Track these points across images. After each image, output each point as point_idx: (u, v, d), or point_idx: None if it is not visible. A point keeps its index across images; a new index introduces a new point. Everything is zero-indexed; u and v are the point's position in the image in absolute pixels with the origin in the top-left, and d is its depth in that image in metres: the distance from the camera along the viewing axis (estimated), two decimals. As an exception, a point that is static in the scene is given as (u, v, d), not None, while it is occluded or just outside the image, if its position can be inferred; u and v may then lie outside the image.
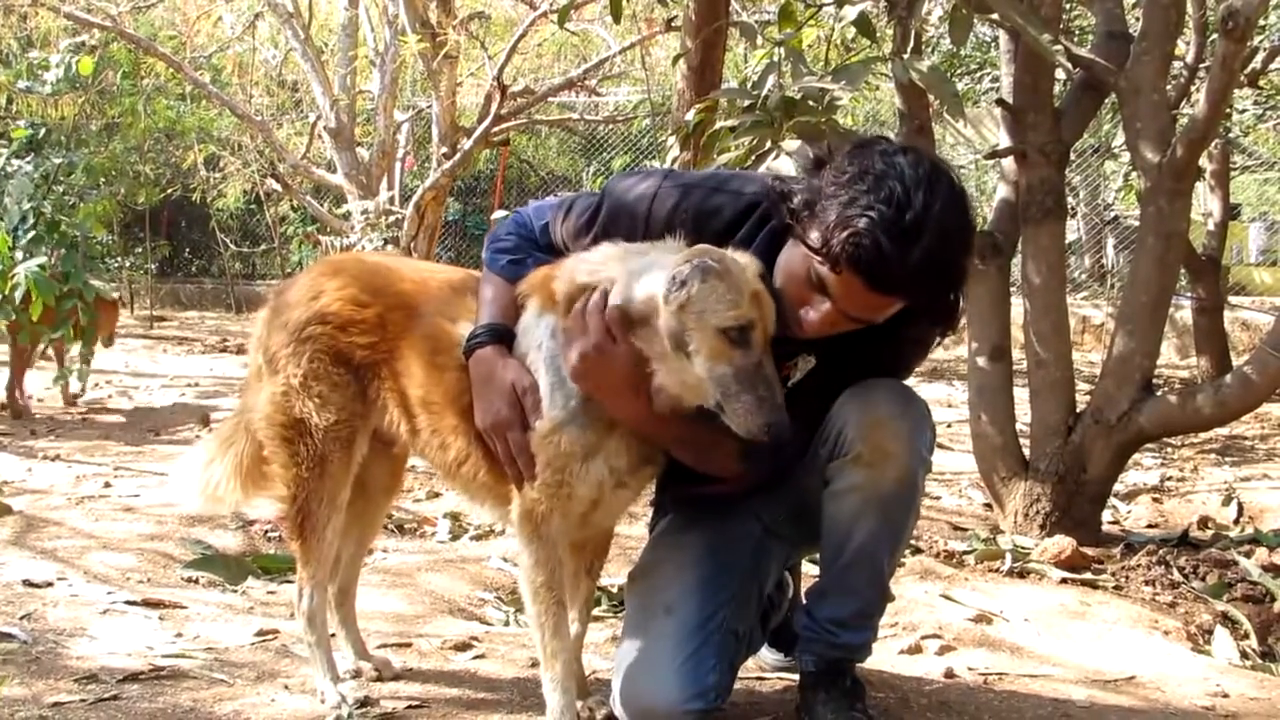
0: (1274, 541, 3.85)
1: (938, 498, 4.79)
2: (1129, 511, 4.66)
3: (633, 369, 1.96)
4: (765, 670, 2.63)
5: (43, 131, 7.40)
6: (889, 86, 5.44)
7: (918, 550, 3.69)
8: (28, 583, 3.11)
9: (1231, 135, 8.66)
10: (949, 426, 6.11)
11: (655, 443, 2.07)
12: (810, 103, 3.26)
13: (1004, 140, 4.04)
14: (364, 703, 2.26)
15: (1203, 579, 3.51)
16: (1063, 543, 3.56)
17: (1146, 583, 3.43)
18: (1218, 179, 7.97)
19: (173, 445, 5.57)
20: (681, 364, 1.92)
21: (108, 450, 5.45)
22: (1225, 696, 2.52)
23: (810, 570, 2.70)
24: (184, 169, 13.62)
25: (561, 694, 2.08)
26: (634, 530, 3.58)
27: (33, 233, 6.21)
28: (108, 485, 4.58)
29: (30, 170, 6.54)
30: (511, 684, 2.45)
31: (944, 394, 7.79)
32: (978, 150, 11.44)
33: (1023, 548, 3.64)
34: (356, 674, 2.45)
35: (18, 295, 5.86)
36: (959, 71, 9.34)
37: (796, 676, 2.30)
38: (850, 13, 3.41)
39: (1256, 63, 6.62)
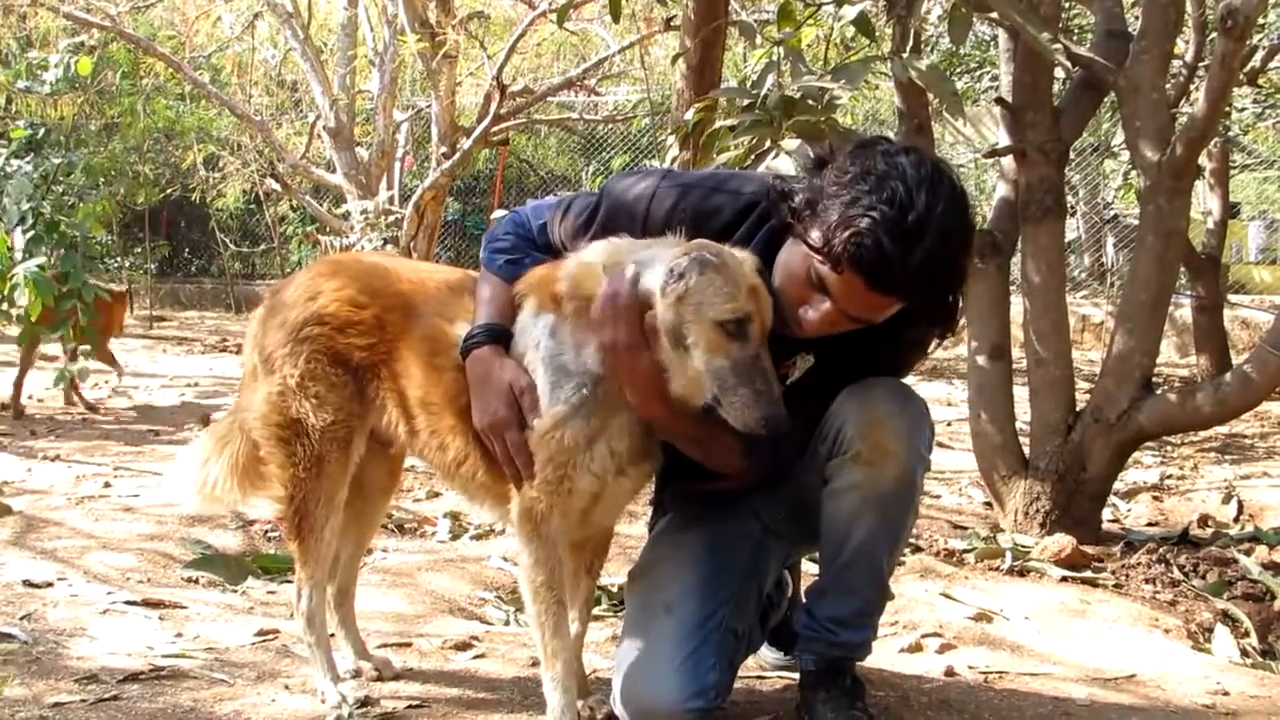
0: (1274, 539, 3.86)
1: (938, 496, 4.79)
2: (1129, 510, 4.66)
3: (661, 370, 1.96)
4: (765, 669, 2.63)
5: (42, 131, 7.38)
6: (888, 85, 5.44)
7: (918, 549, 3.69)
8: (28, 583, 3.11)
9: (1231, 134, 8.66)
10: (949, 425, 6.11)
11: (670, 439, 2.07)
12: (810, 102, 3.26)
13: (1003, 139, 4.04)
14: (364, 702, 2.26)
15: (1203, 577, 3.51)
16: (1063, 541, 3.56)
17: (1147, 581, 3.43)
18: (1217, 177, 7.97)
19: (172, 445, 5.57)
20: (679, 358, 1.92)
21: (107, 450, 5.45)
22: (1225, 694, 2.52)
23: (810, 569, 2.70)
24: (183, 169, 13.62)
25: (562, 693, 2.08)
26: (634, 529, 3.58)
27: (32, 233, 6.21)
28: (108, 485, 4.58)
29: (29, 170, 6.54)
30: (512, 683, 2.45)
31: (944, 392, 7.80)
32: (977, 149, 11.46)
33: (1023, 546, 3.64)
34: (356, 674, 2.45)
35: (17, 295, 5.86)
36: (958, 70, 9.34)
37: (797, 675, 2.30)
38: (849, 12, 3.41)
39: (1256, 61, 6.62)
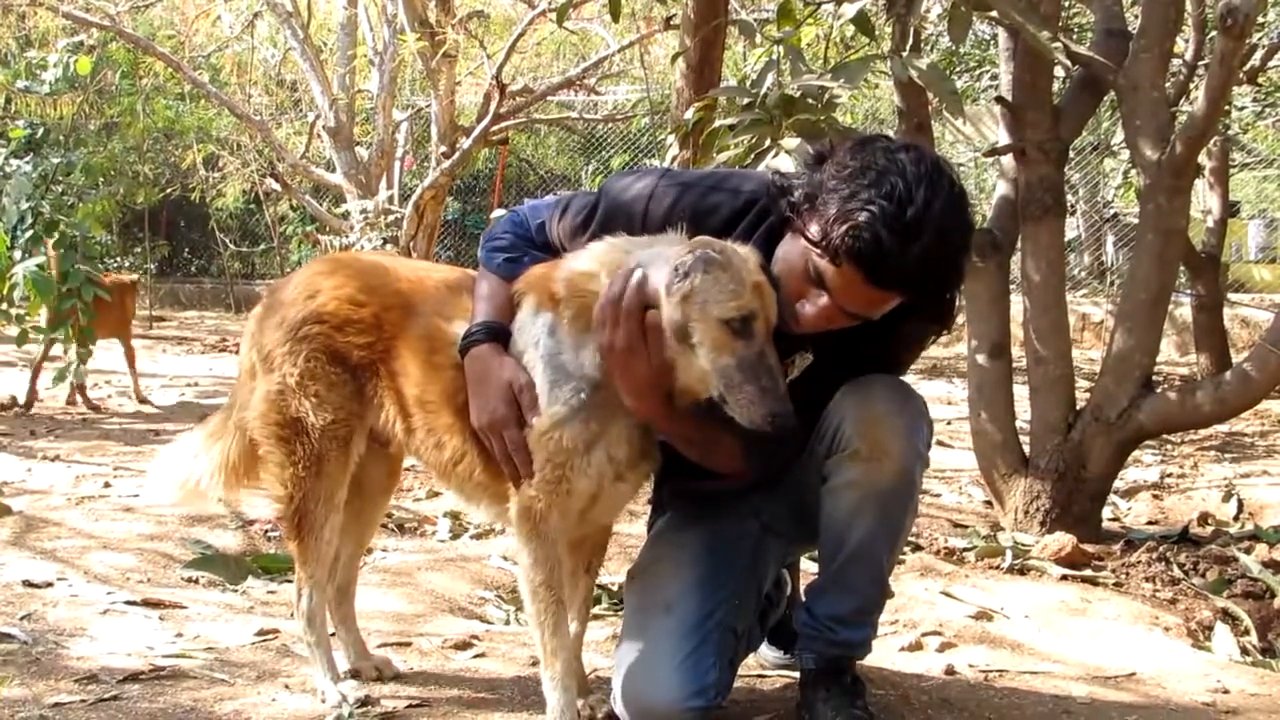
0: (1274, 538, 3.86)
1: (938, 495, 4.79)
2: (1129, 508, 4.66)
3: (662, 370, 1.96)
4: (766, 668, 2.63)
5: (41, 131, 7.38)
6: (888, 84, 5.43)
7: (918, 547, 3.69)
8: (28, 583, 3.10)
9: (1230, 132, 8.66)
10: (949, 424, 6.11)
11: (664, 438, 2.07)
12: (809, 101, 3.25)
13: (1003, 138, 4.04)
14: (364, 702, 2.26)
15: (1203, 575, 3.51)
16: (1063, 539, 3.56)
17: (1147, 579, 3.43)
18: (1217, 176, 7.97)
19: (170, 444, 5.56)
20: (685, 355, 1.92)
21: (107, 450, 5.45)
22: (1225, 692, 2.52)
23: (808, 567, 2.70)
24: (183, 169, 13.63)
25: (562, 692, 2.08)
26: (633, 529, 3.58)
27: (31, 232, 6.21)
28: (107, 485, 4.58)
29: (29, 170, 6.54)
30: (512, 683, 2.45)
31: (944, 391, 7.79)
32: (977, 148, 11.45)
33: (1023, 545, 3.64)
34: (356, 674, 2.45)
35: (16, 295, 5.87)
36: (958, 69, 9.34)
37: (797, 674, 2.30)
38: (849, 10, 3.41)
39: (1255, 60, 6.62)
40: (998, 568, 3.48)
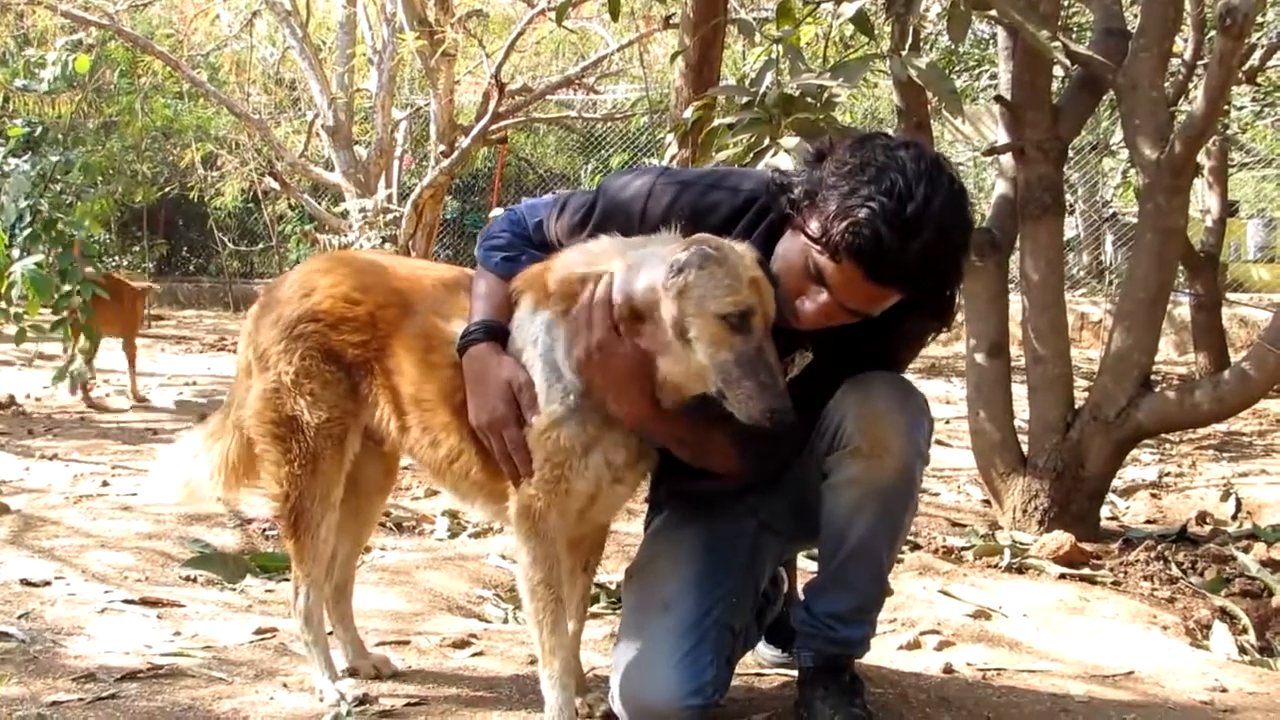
0: (1272, 536, 3.86)
1: (936, 494, 4.79)
2: (1127, 507, 4.66)
3: (638, 365, 1.96)
4: (764, 666, 2.63)
5: (39, 130, 7.37)
6: (887, 83, 5.43)
7: (916, 546, 3.69)
8: (25, 582, 3.10)
9: (1229, 132, 8.67)
10: (948, 423, 6.11)
11: (654, 440, 2.07)
12: (808, 100, 3.25)
13: (1002, 137, 4.04)
14: (362, 700, 2.26)
15: (1201, 574, 3.52)
16: (1061, 538, 3.56)
17: (1145, 578, 3.43)
18: (1216, 175, 7.98)
19: (171, 444, 5.56)
20: (684, 351, 1.92)
21: (105, 449, 5.45)
22: (1223, 691, 2.52)
23: (806, 565, 2.70)
24: (181, 167, 13.61)
25: (560, 691, 2.08)
26: (631, 527, 3.58)
27: (29, 230, 6.20)
28: (105, 484, 4.57)
29: (27, 169, 6.53)
30: (510, 681, 2.45)
31: (942, 390, 7.79)
32: (976, 147, 11.44)
33: (1021, 543, 3.64)
34: (354, 672, 2.44)
35: (14, 294, 5.86)
36: (957, 68, 9.33)
37: (795, 672, 2.30)
38: (848, 9, 3.41)
39: (1254, 59, 6.62)
40: (996, 566, 3.48)
